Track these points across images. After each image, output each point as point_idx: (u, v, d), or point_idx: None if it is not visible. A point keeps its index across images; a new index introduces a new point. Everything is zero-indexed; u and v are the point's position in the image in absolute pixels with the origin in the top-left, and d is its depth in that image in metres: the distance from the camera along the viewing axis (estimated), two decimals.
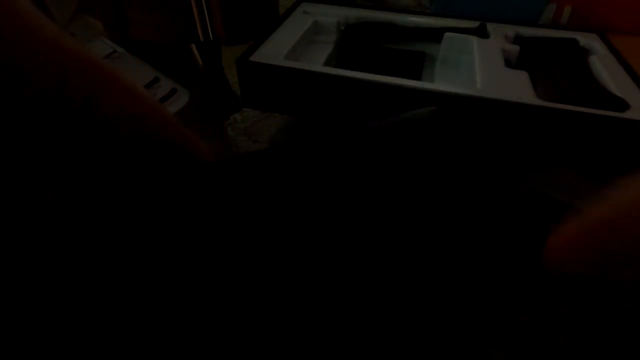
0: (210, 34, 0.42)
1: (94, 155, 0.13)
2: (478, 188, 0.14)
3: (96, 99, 0.12)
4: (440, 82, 0.39)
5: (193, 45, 0.51)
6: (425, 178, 0.14)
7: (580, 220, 0.13)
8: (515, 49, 0.44)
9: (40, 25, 0.12)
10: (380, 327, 0.11)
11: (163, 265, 0.12)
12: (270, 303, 0.11)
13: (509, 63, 0.42)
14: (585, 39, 0.46)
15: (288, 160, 0.14)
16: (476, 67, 0.40)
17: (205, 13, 0.41)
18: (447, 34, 0.46)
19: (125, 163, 0.13)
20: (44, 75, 0.11)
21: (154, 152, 0.14)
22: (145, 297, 0.11)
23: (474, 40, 0.44)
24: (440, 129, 0.16)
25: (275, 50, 0.41)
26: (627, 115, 0.33)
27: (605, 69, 0.40)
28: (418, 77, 0.44)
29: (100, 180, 0.13)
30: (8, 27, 0.11)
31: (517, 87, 0.37)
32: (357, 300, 0.11)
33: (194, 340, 0.10)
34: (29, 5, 0.11)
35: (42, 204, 0.12)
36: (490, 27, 0.47)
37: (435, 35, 0.47)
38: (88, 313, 0.11)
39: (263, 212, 0.13)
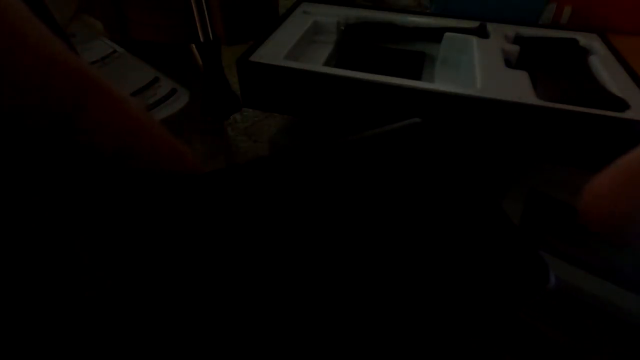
0: (210, 34, 0.42)
1: (76, 165, 0.13)
2: (464, 199, 0.14)
3: (80, 110, 0.12)
4: (440, 82, 0.39)
5: (193, 45, 0.51)
6: (409, 187, 0.14)
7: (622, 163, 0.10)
8: (515, 49, 0.44)
9: (27, 29, 0.11)
10: (380, 328, 0.11)
11: (160, 267, 0.12)
12: (270, 306, 0.11)
13: (509, 63, 0.42)
14: (585, 39, 0.46)
15: (270, 174, 0.14)
16: (476, 67, 0.40)
17: (205, 13, 0.41)
18: (447, 34, 0.46)
19: (111, 174, 0.13)
20: (25, 83, 0.11)
21: (141, 165, 0.13)
22: (143, 298, 0.11)
23: (474, 40, 0.44)
24: (423, 141, 0.16)
25: (275, 50, 0.41)
26: (627, 115, 0.33)
27: (605, 69, 0.40)
28: (418, 77, 0.44)
29: (86, 189, 0.13)
30: None
31: (517, 87, 0.37)
32: (356, 304, 0.11)
33: (193, 341, 0.10)
34: (19, 6, 0.11)
35: (40, 205, 0.12)
36: (490, 27, 0.47)
37: (435, 35, 0.47)
38: (86, 313, 0.11)
39: (247, 226, 0.13)
